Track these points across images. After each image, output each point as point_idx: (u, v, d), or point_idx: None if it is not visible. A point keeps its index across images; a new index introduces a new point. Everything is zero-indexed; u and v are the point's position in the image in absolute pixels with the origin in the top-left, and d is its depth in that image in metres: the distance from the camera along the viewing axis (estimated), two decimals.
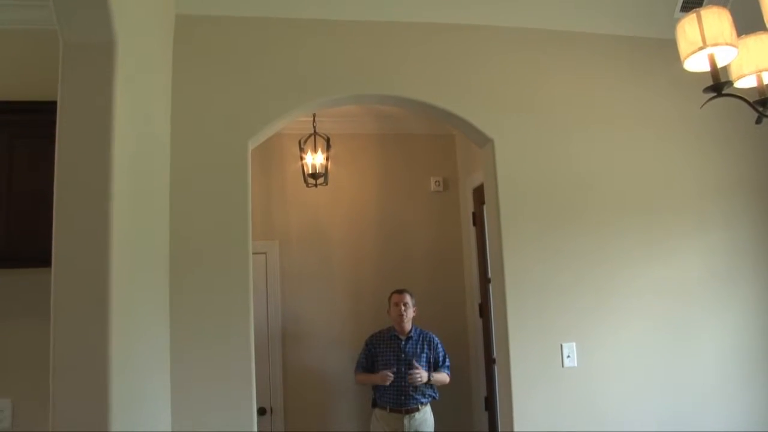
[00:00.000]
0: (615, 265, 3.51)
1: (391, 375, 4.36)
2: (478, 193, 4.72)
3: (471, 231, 5.06)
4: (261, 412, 4.64)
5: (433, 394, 4.50)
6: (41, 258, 2.23)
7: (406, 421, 4.37)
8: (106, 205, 2.17)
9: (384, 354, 4.50)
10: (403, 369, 4.39)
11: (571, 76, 3.62)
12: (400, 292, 4.58)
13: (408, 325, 4.54)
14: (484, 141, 3.54)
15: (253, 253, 3.21)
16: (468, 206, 5.13)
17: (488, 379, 4.77)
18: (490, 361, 4.66)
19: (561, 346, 3.38)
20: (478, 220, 4.92)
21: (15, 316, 2.80)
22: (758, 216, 3.74)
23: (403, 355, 4.46)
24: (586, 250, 3.49)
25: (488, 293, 4.51)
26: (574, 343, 3.39)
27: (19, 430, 2.75)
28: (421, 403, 4.41)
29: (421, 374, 4.34)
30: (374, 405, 4.53)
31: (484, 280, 4.72)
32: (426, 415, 4.44)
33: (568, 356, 3.38)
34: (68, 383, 2.06)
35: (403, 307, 4.51)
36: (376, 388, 4.53)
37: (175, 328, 3.01)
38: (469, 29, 3.53)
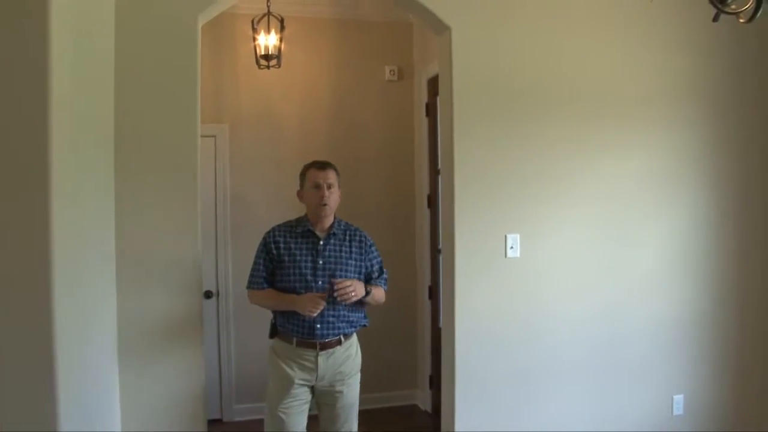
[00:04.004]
0: (564, 163, 3.57)
1: (322, 302, 2.86)
2: (433, 84, 4.66)
3: (423, 122, 5.04)
4: (207, 295, 4.69)
5: (364, 321, 3.13)
6: None
7: (321, 360, 2.93)
8: (44, 76, 2.10)
9: (294, 258, 3.00)
10: (320, 282, 2.96)
11: None
12: (323, 167, 3.06)
13: (331, 217, 3.10)
14: (441, 29, 3.46)
15: (202, 136, 3.13)
16: (422, 97, 5.08)
17: (433, 269, 4.90)
18: (435, 252, 4.77)
19: (505, 236, 3.47)
20: (431, 111, 4.89)
21: None
22: (705, 120, 3.82)
23: (321, 262, 3.00)
24: (536, 147, 3.52)
25: (437, 185, 4.55)
26: (518, 235, 3.48)
27: None
28: (345, 334, 3.01)
29: (356, 287, 2.91)
30: (273, 335, 3.08)
31: (434, 172, 4.75)
32: (351, 350, 3.05)
33: (512, 247, 3.48)
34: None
35: (326, 191, 3.02)
36: (277, 311, 3.07)
37: (120, 208, 2.96)
38: None
